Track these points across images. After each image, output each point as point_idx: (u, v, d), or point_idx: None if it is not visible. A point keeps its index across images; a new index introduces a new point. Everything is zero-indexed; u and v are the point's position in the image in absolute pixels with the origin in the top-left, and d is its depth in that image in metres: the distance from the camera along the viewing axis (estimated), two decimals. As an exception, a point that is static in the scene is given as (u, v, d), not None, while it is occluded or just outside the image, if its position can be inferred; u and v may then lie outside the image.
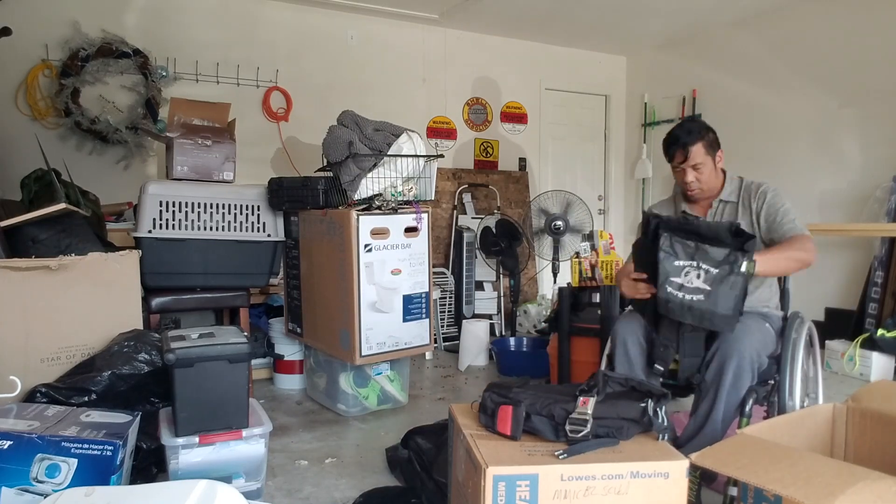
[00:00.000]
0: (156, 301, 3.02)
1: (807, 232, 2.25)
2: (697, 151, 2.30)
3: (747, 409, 2.00)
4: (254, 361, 3.54)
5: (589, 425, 1.58)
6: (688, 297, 1.95)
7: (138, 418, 2.06)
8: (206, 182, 3.15)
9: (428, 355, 4.31)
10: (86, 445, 1.78)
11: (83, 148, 4.04)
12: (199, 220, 3.06)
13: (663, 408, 1.63)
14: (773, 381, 2.15)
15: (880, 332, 3.75)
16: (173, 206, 3.01)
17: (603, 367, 2.28)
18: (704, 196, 2.39)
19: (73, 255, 2.47)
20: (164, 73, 4.20)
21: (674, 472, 1.46)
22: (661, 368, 2.11)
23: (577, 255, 3.30)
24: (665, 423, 1.61)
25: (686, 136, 2.31)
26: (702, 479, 2.08)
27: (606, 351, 2.27)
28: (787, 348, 2.14)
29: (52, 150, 3.49)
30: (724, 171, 2.41)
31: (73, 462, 1.76)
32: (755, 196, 2.33)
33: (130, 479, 2.01)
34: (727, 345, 2.03)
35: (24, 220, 2.47)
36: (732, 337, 2.03)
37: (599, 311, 3.18)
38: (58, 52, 3.94)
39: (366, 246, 2.96)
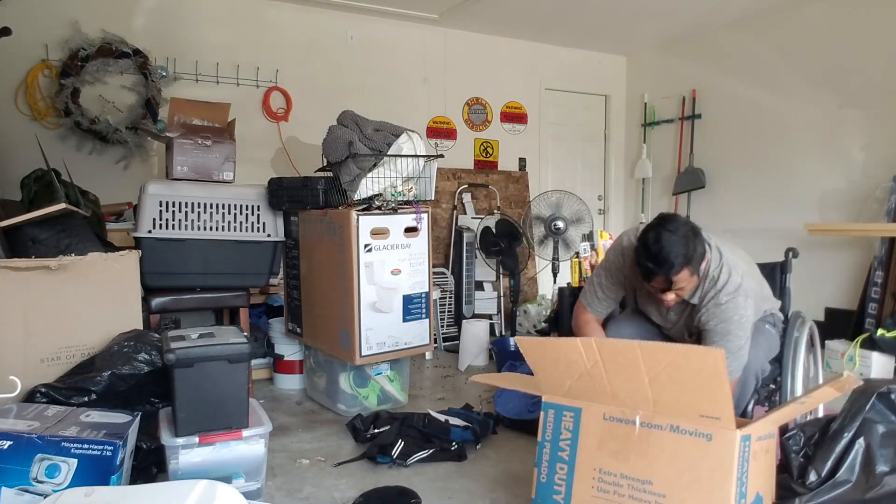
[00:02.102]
0: (156, 301, 3.02)
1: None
2: (683, 277, 2.00)
3: (749, 409, 2.01)
4: (254, 361, 3.53)
5: None
6: None
7: (138, 418, 2.06)
8: (206, 182, 3.15)
9: (428, 355, 4.30)
10: (86, 445, 1.78)
11: (83, 148, 4.04)
12: (199, 220, 3.06)
13: None
14: (774, 385, 2.15)
15: (880, 331, 3.75)
16: (173, 206, 3.01)
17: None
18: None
19: (72, 255, 2.47)
20: (164, 73, 4.20)
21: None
22: None
23: (577, 255, 3.30)
24: None
25: (670, 260, 1.95)
26: None
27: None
28: (788, 348, 2.14)
29: (52, 150, 3.49)
30: None
31: (73, 462, 1.76)
32: (715, 305, 2.09)
33: (130, 479, 2.01)
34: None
35: (24, 220, 2.47)
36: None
37: (599, 311, 3.17)
38: (58, 52, 3.93)
39: (366, 246, 2.96)
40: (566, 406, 1.79)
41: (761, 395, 2.07)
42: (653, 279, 2.01)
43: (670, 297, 2.06)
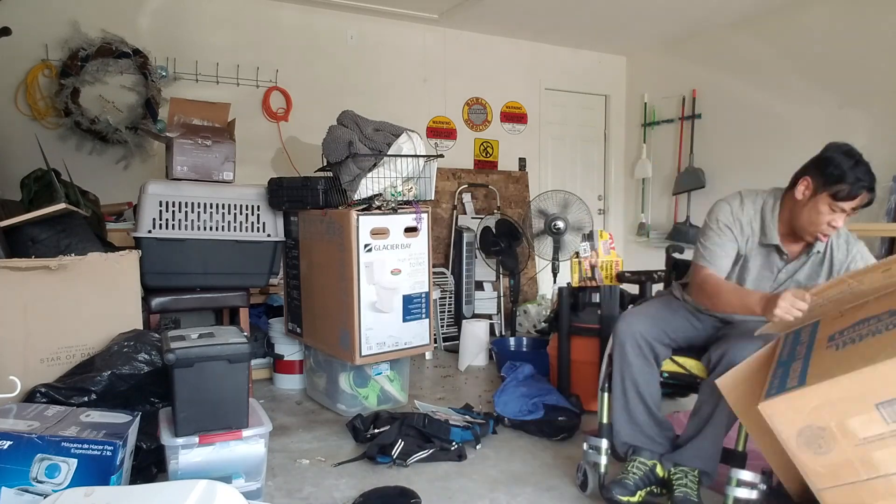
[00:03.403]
0: (156, 301, 3.02)
1: None
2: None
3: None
4: (254, 361, 3.54)
5: None
6: None
7: (138, 418, 2.06)
8: (206, 182, 3.15)
9: (428, 355, 4.31)
10: (86, 445, 1.78)
11: (83, 148, 4.04)
12: (199, 220, 3.06)
13: None
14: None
15: (880, 332, 3.74)
16: (173, 206, 3.01)
17: (604, 366, 2.28)
18: (819, 240, 2.13)
19: (72, 255, 2.47)
20: (164, 73, 4.20)
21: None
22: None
23: (577, 255, 3.30)
24: None
25: (873, 181, 2.03)
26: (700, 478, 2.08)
27: (608, 350, 2.27)
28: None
29: (51, 150, 3.48)
30: None
31: (73, 462, 1.76)
32: (851, 250, 2.17)
33: (130, 479, 2.01)
34: (736, 351, 2.01)
35: (24, 220, 2.47)
36: (741, 344, 2.01)
37: (599, 311, 3.18)
38: (58, 52, 3.94)
39: (366, 246, 2.96)
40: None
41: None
42: (861, 191, 2.00)
43: (841, 222, 2.05)
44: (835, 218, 2.03)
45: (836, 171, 2.00)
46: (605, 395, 2.26)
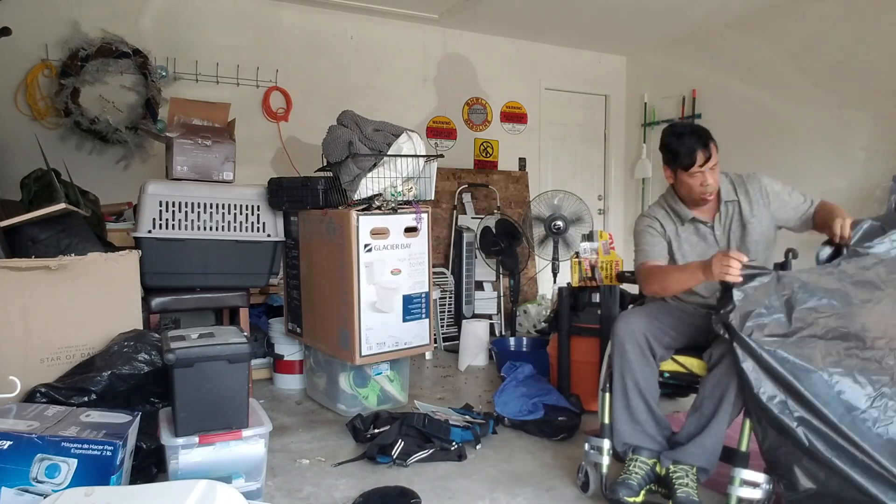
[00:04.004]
0: (156, 301, 3.02)
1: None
2: (713, 151, 2.23)
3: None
4: (254, 361, 3.54)
5: None
6: None
7: (138, 418, 2.06)
8: (205, 182, 3.15)
9: (428, 355, 4.30)
10: (86, 445, 1.78)
11: (83, 148, 4.04)
12: (198, 220, 3.06)
13: None
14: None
15: (880, 331, 3.74)
16: (173, 206, 3.01)
17: (604, 367, 2.28)
18: (712, 198, 2.31)
19: (72, 255, 2.47)
20: (164, 73, 4.20)
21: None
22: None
23: (577, 255, 3.29)
24: None
25: (704, 135, 2.22)
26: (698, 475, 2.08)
27: (608, 351, 2.27)
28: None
29: (51, 150, 3.49)
30: None
31: (73, 462, 1.76)
32: (753, 188, 2.32)
33: (130, 479, 2.01)
34: None
35: (24, 220, 2.47)
36: None
37: (599, 311, 3.17)
38: (57, 52, 3.94)
39: (366, 246, 2.96)
40: None
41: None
42: (696, 154, 2.19)
43: (710, 178, 2.22)
44: (703, 179, 2.23)
45: (671, 152, 2.25)
46: (607, 395, 2.25)
